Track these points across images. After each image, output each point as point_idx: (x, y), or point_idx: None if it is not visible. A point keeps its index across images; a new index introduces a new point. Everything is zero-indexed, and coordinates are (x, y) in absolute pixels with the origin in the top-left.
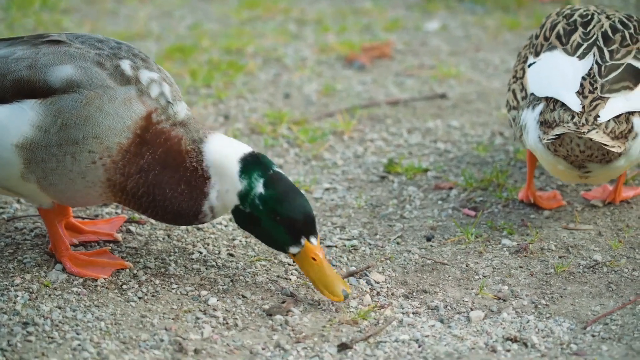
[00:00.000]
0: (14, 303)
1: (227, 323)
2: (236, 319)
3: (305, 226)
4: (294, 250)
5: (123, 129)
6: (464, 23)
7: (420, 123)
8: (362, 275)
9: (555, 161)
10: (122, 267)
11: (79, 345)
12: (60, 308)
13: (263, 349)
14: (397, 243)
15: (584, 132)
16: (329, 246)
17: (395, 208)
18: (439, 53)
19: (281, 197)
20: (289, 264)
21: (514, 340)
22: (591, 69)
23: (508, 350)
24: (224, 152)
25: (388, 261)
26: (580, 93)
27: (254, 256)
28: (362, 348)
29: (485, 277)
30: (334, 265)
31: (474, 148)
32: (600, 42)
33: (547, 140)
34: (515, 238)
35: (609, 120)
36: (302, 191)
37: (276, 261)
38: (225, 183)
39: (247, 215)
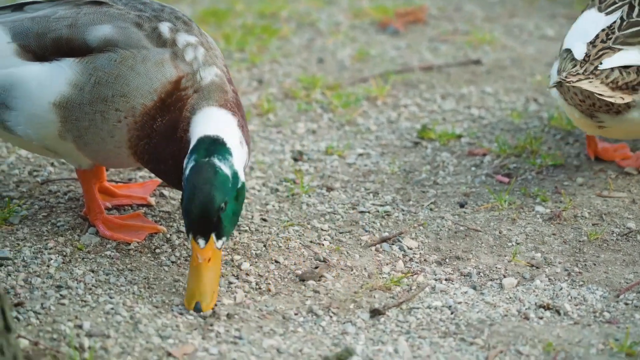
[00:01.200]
0: (48, 266)
1: (259, 288)
2: (269, 284)
3: (193, 225)
4: (190, 242)
5: (150, 91)
6: None
7: (454, 89)
8: (395, 241)
9: (570, 110)
10: (155, 231)
11: (112, 309)
12: (93, 271)
13: (295, 314)
14: (430, 209)
15: (571, 80)
16: (362, 212)
17: (428, 174)
18: (473, 19)
19: (190, 187)
20: (322, 230)
21: (547, 307)
22: (613, 23)
23: (541, 318)
24: (197, 128)
25: (421, 227)
26: (591, 43)
27: (287, 221)
28: (395, 314)
29: (518, 244)
30: (366, 232)
31: (508, 114)
32: (635, 1)
33: (548, 87)
34: (548, 205)
35: (613, 70)
36: (333, 157)
37: (309, 226)
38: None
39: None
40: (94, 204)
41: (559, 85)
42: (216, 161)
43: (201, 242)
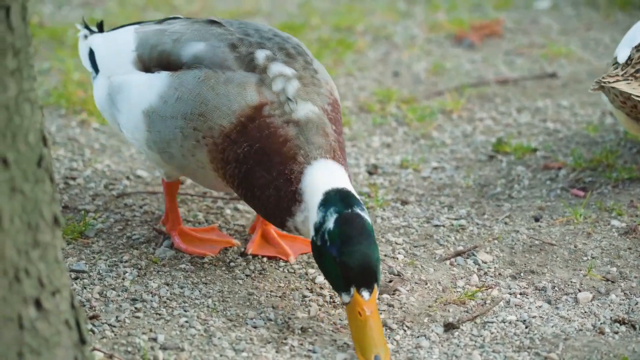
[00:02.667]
0: (123, 279)
1: (333, 302)
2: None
3: (358, 277)
4: (344, 299)
5: (228, 113)
6: (575, 2)
7: (529, 102)
8: (469, 255)
9: (618, 113)
10: (230, 245)
11: (186, 322)
12: (168, 285)
13: None
14: (505, 223)
15: (608, 81)
16: (436, 225)
17: (503, 188)
18: (549, 32)
19: (345, 238)
20: (397, 243)
21: (622, 322)
22: None
23: (616, 332)
24: (318, 180)
25: (496, 241)
26: (636, 47)
27: None
28: (469, 328)
29: (593, 258)
30: (440, 245)
31: (584, 128)
32: None
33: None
34: (624, 219)
35: None
36: (408, 171)
37: (383, 240)
38: (309, 212)
39: (317, 248)
40: (173, 215)
41: (598, 87)
42: (359, 211)
43: (366, 295)
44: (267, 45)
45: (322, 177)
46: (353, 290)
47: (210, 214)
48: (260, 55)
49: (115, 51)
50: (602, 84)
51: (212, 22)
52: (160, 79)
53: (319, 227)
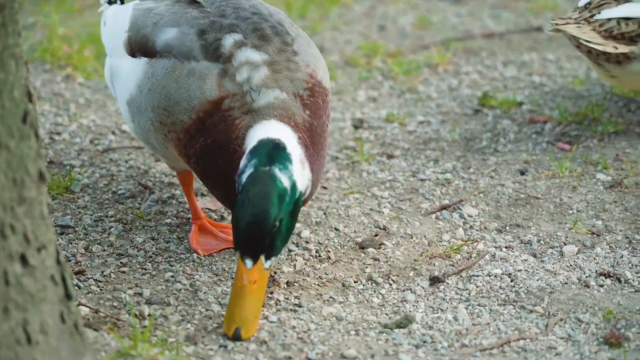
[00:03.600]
0: (108, 234)
1: (319, 256)
2: (328, 251)
3: (242, 242)
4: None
5: (187, 108)
6: None
7: (515, 56)
8: (455, 209)
9: (585, 58)
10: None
11: (172, 276)
12: (153, 239)
13: (355, 281)
14: (491, 177)
15: (558, 22)
16: (422, 179)
17: (489, 141)
18: None
19: (245, 198)
20: (382, 197)
21: (607, 275)
22: None
23: (601, 286)
24: (258, 133)
25: (481, 195)
26: None
27: (347, 189)
28: (454, 282)
29: (579, 211)
30: (426, 199)
31: (570, 81)
32: None
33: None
34: (610, 172)
35: (609, 20)
36: (394, 125)
37: (369, 194)
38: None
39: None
40: (191, 207)
41: (553, 28)
42: (277, 171)
43: (248, 262)
44: (241, 27)
45: (263, 129)
46: (237, 254)
47: None
48: (228, 41)
49: (115, 30)
50: (555, 26)
51: (193, 2)
52: (140, 66)
53: (239, 176)
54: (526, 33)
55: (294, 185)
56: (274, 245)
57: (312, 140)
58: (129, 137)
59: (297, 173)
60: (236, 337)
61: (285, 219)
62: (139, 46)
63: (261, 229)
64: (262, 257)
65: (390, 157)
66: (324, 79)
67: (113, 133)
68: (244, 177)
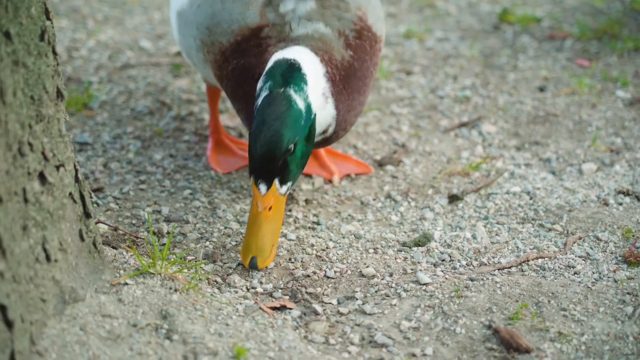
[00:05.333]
0: (127, 151)
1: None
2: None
3: (256, 167)
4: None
5: (227, 31)
6: None
7: None
8: (473, 126)
9: None
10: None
11: (190, 194)
12: (172, 156)
13: (374, 199)
14: (510, 94)
15: None
16: (440, 96)
17: (508, 58)
18: None
19: (257, 118)
20: (401, 114)
21: (626, 193)
22: None
23: (620, 204)
24: (277, 54)
25: (500, 112)
26: None
27: (366, 106)
28: (473, 200)
29: (598, 129)
30: (445, 116)
31: None
32: None
33: None
34: (629, 89)
35: None
36: (413, 41)
37: (388, 111)
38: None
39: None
40: (212, 122)
41: None
42: (292, 92)
43: (262, 188)
44: None
45: (282, 51)
46: (252, 179)
47: None
48: None
49: None
50: None
51: None
52: None
53: (256, 99)
54: None
55: (309, 107)
56: (288, 169)
57: (348, 81)
58: (147, 54)
59: (313, 95)
60: (252, 267)
61: (300, 143)
62: None
63: (274, 151)
64: (277, 182)
65: (409, 73)
66: (375, 25)
67: (131, 49)
68: (260, 99)
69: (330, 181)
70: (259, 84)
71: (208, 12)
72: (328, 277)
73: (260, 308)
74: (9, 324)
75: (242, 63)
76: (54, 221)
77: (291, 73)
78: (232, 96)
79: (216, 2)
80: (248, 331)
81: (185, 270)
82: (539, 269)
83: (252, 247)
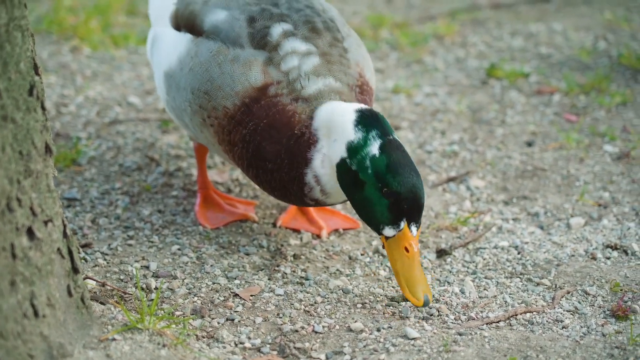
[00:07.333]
0: (115, 207)
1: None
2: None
3: (411, 209)
4: (388, 232)
5: (231, 94)
6: None
7: (522, 27)
8: (461, 181)
9: None
10: (246, 218)
11: (179, 249)
12: (160, 212)
13: (362, 254)
14: (498, 148)
15: None
16: (428, 151)
17: (496, 113)
18: None
19: (396, 168)
20: None
21: (614, 247)
22: None
23: (608, 258)
24: (336, 107)
25: (488, 166)
26: None
27: None
28: (461, 254)
29: (586, 183)
30: (433, 171)
31: (577, 52)
32: None
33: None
34: (617, 144)
35: None
36: (401, 96)
37: None
38: (333, 134)
39: (351, 174)
40: (200, 178)
41: None
42: (397, 139)
43: (414, 229)
44: (292, 18)
45: (336, 105)
46: (404, 224)
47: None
48: (276, 30)
49: (162, 0)
50: None
51: None
52: (183, 42)
53: (356, 149)
54: (533, 3)
55: None
56: None
57: None
58: (135, 109)
59: None
60: (426, 303)
61: None
62: (186, 21)
63: (424, 195)
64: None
65: (397, 128)
66: (371, 80)
67: (119, 105)
68: (373, 149)
69: (318, 236)
70: (357, 133)
71: (205, 77)
72: (316, 332)
73: None
74: None
75: (265, 124)
76: (42, 276)
77: (385, 124)
78: (254, 156)
79: (212, 67)
80: None
81: (174, 326)
82: (527, 323)
83: (420, 283)
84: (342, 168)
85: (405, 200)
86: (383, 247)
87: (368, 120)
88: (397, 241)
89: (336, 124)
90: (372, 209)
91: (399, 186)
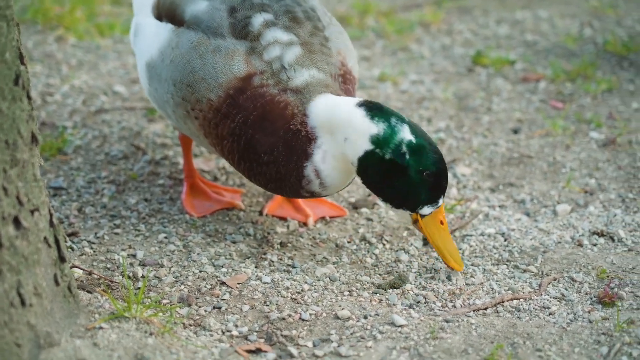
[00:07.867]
0: (101, 196)
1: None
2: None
3: (445, 185)
4: (427, 210)
5: (214, 85)
6: None
7: (508, 14)
8: (448, 169)
9: None
10: (232, 206)
11: (165, 237)
12: (146, 200)
13: (349, 242)
14: (484, 136)
15: None
16: None
17: (482, 100)
18: None
19: (433, 148)
20: None
21: (601, 234)
22: None
23: (594, 245)
24: (333, 104)
25: (475, 154)
26: None
27: None
28: None
29: (572, 170)
30: None
31: (563, 39)
32: None
33: None
34: (603, 131)
35: None
36: (387, 84)
37: None
38: (340, 133)
39: (385, 163)
40: (186, 167)
41: None
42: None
43: (440, 201)
44: (273, 7)
45: (332, 102)
46: (442, 200)
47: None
48: (257, 20)
49: None
50: None
51: None
52: (164, 32)
53: (386, 140)
54: None
55: None
56: None
57: None
58: (121, 98)
59: None
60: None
61: None
62: (167, 12)
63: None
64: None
65: None
66: (354, 68)
67: (105, 94)
68: (405, 134)
69: (305, 224)
70: (379, 124)
71: (187, 69)
72: (303, 320)
73: (235, 351)
74: None
75: (255, 116)
76: (29, 265)
77: (384, 106)
78: (245, 148)
79: (194, 58)
80: None
81: (161, 314)
82: (514, 310)
83: (457, 251)
84: (371, 160)
85: (443, 178)
86: (413, 224)
87: (379, 111)
88: (434, 216)
89: (341, 123)
90: (412, 193)
91: (440, 167)
